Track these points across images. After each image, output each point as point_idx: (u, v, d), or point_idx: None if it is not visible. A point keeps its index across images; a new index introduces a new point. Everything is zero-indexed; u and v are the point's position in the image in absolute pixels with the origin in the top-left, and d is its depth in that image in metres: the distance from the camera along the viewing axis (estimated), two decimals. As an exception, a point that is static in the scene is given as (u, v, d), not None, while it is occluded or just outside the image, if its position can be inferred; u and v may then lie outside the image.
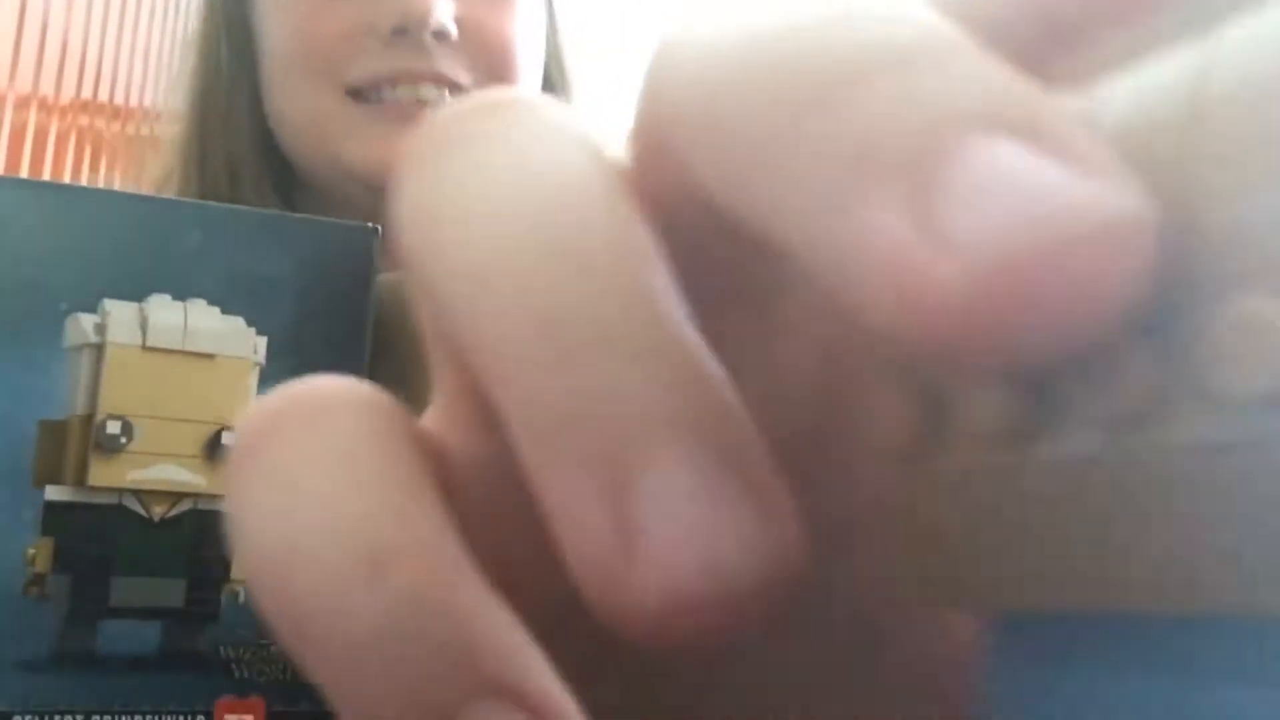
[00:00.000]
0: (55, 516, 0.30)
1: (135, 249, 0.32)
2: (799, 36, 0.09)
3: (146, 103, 2.52)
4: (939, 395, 0.10)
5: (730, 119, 0.10)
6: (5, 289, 0.31)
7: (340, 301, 0.35)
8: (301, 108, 0.62)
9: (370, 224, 0.36)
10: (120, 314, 0.31)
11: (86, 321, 0.31)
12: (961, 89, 0.08)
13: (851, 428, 0.13)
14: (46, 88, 1.97)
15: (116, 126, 2.33)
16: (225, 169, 0.63)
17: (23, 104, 1.87)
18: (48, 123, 1.98)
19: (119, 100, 2.34)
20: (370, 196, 0.59)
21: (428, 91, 0.60)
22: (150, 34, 2.53)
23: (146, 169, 0.71)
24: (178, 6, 2.76)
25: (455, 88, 0.61)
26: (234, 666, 0.32)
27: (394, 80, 0.60)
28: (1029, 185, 0.08)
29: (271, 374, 0.34)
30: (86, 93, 2.16)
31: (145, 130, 2.51)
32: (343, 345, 0.36)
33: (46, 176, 1.95)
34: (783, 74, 0.09)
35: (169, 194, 0.63)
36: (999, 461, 0.09)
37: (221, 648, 0.32)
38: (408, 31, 0.58)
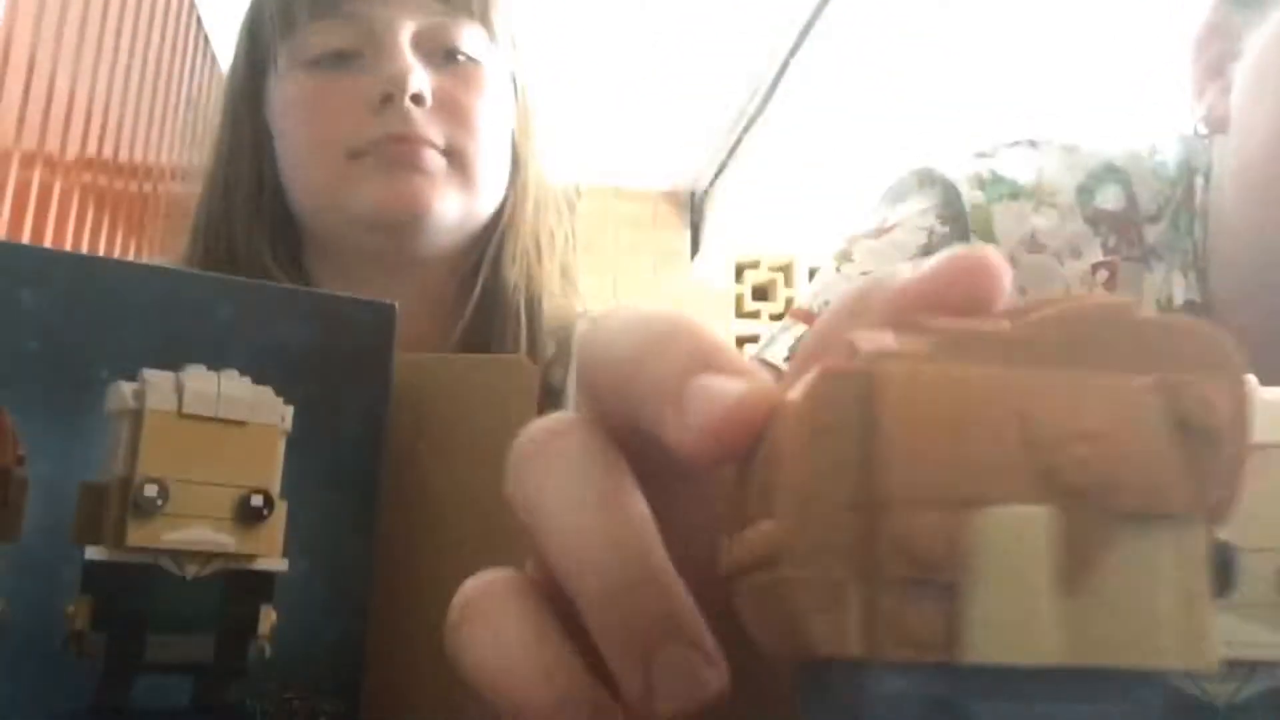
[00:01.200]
0: (94, 575, 0.32)
1: (171, 321, 0.35)
2: (642, 330, 0.20)
3: (151, 160, 2.55)
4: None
5: (617, 367, 0.20)
6: (50, 356, 0.33)
7: (362, 372, 0.37)
8: (312, 174, 0.74)
9: (389, 301, 0.38)
10: (158, 382, 0.33)
11: (126, 388, 0.33)
12: (691, 348, 0.19)
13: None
14: (52, 145, 2.00)
15: (121, 184, 2.36)
16: (224, 239, 0.76)
17: (28, 161, 1.89)
18: (52, 179, 2.00)
19: (124, 158, 2.37)
20: (372, 237, 0.73)
21: (414, 153, 0.72)
22: (155, 92, 2.58)
23: (175, 239, 0.83)
24: (183, 65, 2.81)
25: (432, 146, 0.72)
26: (261, 718, 0.34)
27: (383, 141, 0.72)
28: (720, 390, 0.18)
29: (297, 441, 0.36)
30: (91, 150, 2.19)
31: (149, 188, 2.55)
32: (365, 414, 0.37)
33: (50, 232, 1.97)
34: (634, 347, 0.20)
35: (184, 256, 0.76)
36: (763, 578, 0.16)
37: (249, 700, 0.34)
38: (392, 98, 0.71)
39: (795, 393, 0.16)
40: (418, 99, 0.71)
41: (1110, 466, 0.15)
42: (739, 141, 3.69)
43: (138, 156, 2.47)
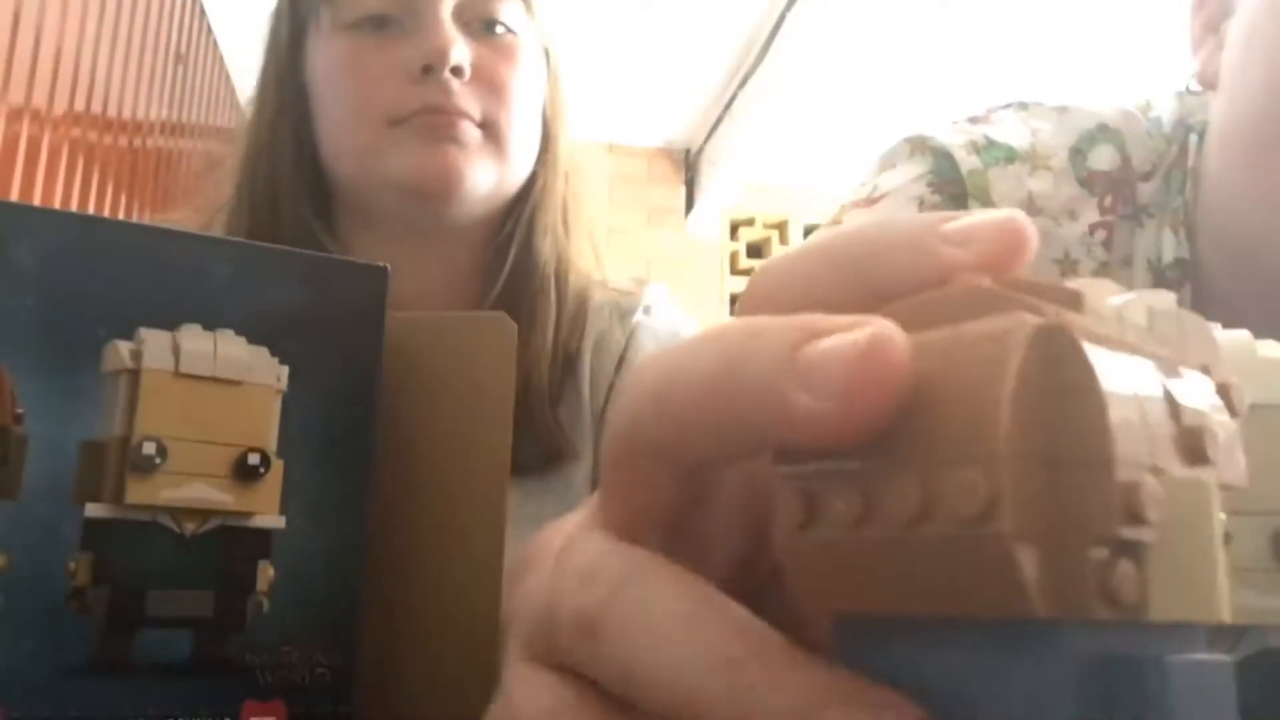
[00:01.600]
0: (94, 533, 0.32)
1: (168, 281, 0.35)
2: (718, 339, 0.18)
3: (139, 116, 2.53)
4: (812, 497, 0.17)
5: (702, 379, 0.17)
6: (48, 315, 0.33)
7: (355, 333, 0.38)
8: (350, 138, 0.75)
9: (381, 264, 0.39)
10: (155, 341, 0.34)
11: (123, 348, 0.33)
12: (784, 326, 0.17)
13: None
14: (39, 100, 1.98)
15: (109, 139, 2.34)
16: (268, 193, 0.76)
17: (15, 116, 1.88)
18: (40, 134, 1.98)
19: (112, 113, 2.35)
20: (405, 204, 0.74)
21: (452, 124, 0.73)
22: (144, 47, 2.55)
23: (209, 192, 0.84)
24: (172, 19, 2.78)
25: (468, 118, 0.73)
26: (258, 672, 0.34)
27: (422, 112, 0.73)
28: (841, 347, 0.16)
29: (292, 400, 0.36)
30: (79, 105, 2.17)
31: (138, 143, 2.53)
32: (358, 374, 0.38)
33: (39, 188, 1.96)
34: (718, 354, 0.17)
35: (222, 217, 0.78)
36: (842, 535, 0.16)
37: (247, 655, 0.34)
38: (433, 69, 0.72)
39: (980, 342, 0.16)
40: (457, 71, 0.73)
41: (1224, 446, 0.16)
42: (734, 98, 3.67)
43: (126, 112, 2.45)
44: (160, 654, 0.33)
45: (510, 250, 0.78)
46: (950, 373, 0.16)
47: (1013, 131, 0.65)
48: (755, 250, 4.37)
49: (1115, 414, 0.15)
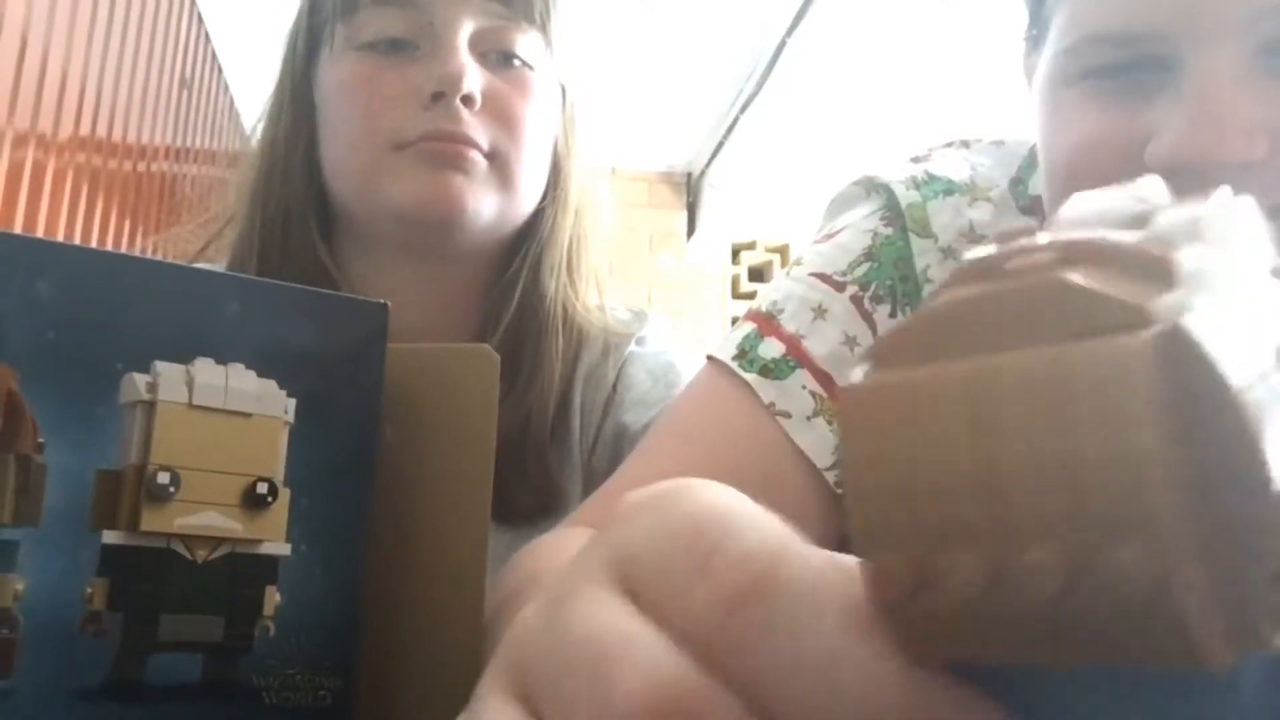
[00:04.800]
0: (111, 559, 0.34)
1: (183, 316, 0.36)
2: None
3: (144, 141, 2.56)
4: (923, 561, 0.15)
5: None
6: (67, 348, 0.34)
7: (357, 367, 0.39)
8: (354, 159, 0.74)
9: (381, 301, 0.40)
10: (170, 374, 0.35)
11: (140, 380, 0.35)
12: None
13: None
14: (45, 125, 2.00)
15: (114, 164, 2.36)
16: (281, 212, 0.76)
17: (21, 141, 1.90)
18: (46, 159, 2.00)
19: (117, 138, 2.38)
20: (405, 230, 0.74)
21: (459, 151, 0.72)
22: (149, 71, 2.57)
23: (211, 206, 0.84)
24: (177, 44, 2.81)
25: (476, 147, 0.73)
26: (265, 694, 0.36)
27: (430, 138, 0.72)
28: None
29: (298, 431, 0.37)
30: (85, 130, 2.19)
31: (143, 168, 2.55)
32: (360, 406, 0.39)
33: (44, 213, 1.98)
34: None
35: (229, 232, 0.78)
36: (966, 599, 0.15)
37: (254, 677, 0.36)
38: (444, 96, 0.71)
39: (1117, 360, 0.13)
40: (468, 100, 0.72)
41: None
42: (735, 123, 3.70)
43: (131, 136, 2.47)
44: (172, 676, 0.34)
45: (515, 290, 0.77)
46: (1062, 412, 0.13)
47: (952, 166, 0.67)
48: (757, 274, 4.39)
49: (1263, 430, 0.13)
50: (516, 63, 0.75)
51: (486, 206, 0.74)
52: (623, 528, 0.21)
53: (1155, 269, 0.14)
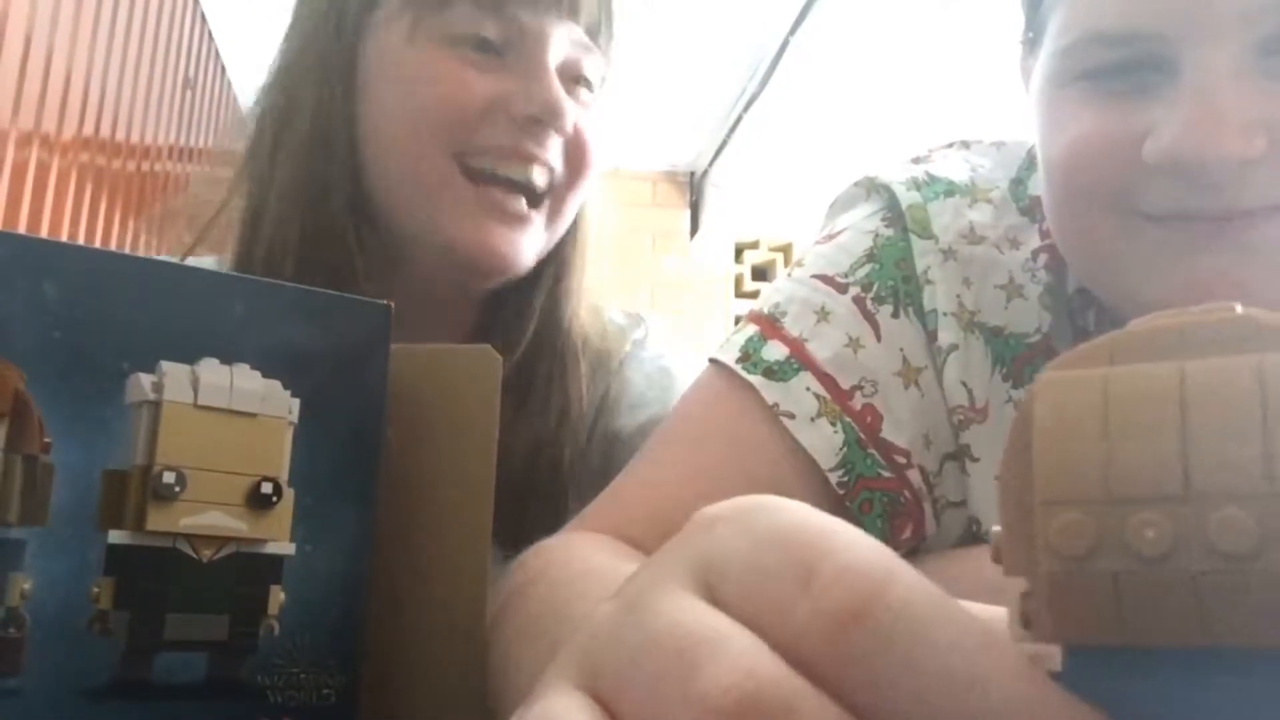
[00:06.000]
0: (117, 558, 0.34)
1: (188, 316, 0.36)
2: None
3: (149, 140, 2.56)
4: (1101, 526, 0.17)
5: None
6: (73, 348, 0.35)
7: (360, 368, 0.39)
8: (409, 164, 0.70)
9: (384, 302, 0.40)
10: (175, 374, 0.35)
11: (145, 380, 0.35)
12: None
13: None
14: (49, 125, 2.00)
15: (119, 163, 2.37)
16: (320, 182, 0.71)
17: (25, 141, 1.90)
18: (50, 159, 2.01)
19: (121, 137, 2.38)
20: (439, 255, 0.70)
21: (536, 174, 0.70)
22: (153, 71, 2.58)
23: (205, 191, 0.79)
24: (180, 44, 2.81)
25: (554, 172, 0.72)
26: (269, 692, 0.36)
27: (512, 157, 0.70)
28: None
29: (302, 431, 0.38)
30: (89, 129, 2.19)
31: (147, 167, 2.55)
32: (364, 406, 0.39)
33: (48, 212, 1.98)
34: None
35: (280, 197, 0.72)
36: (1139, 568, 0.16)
37: (258, 675, 0.36)
38: (540, 122, 0.69)
39: (1239, 371, 0.16)
40: (561, 129, 0.71)
41: None
42: (738, 121, 3.70)
43: (135, 136, 2.48)
44: (177, 675, 0.35)
45: (530, 312, 0.75)
46: (1214, 406, 0.16)
47: (952, 167, 0.67)
48: (760, 273, 4.39)
49: None
50: (584, 89, 0.74)
51: (534, 254, 0.72)
52: (702, 536, 0.21)
53: None
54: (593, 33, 0.73)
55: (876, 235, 0.65)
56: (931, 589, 0.18)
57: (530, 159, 0.70)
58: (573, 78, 0.73)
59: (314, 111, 0.72)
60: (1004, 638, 0.17)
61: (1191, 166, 0.48)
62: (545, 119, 0.70)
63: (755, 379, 0.60)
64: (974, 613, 0.18)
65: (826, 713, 0.17)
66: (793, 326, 0.62)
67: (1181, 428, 0.16)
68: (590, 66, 0.73)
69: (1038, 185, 0.64)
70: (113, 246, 2.29)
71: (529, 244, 0.71)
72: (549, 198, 0.72)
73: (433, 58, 0.70)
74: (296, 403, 0.37)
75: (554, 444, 0.73)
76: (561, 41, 0.71)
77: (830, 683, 0.17)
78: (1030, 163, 0.66)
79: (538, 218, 0.72)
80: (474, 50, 0.70)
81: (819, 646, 0.18)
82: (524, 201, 0.71)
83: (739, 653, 0.18)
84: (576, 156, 0.73)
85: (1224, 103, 0.48)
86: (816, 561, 0.18)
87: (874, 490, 0.58)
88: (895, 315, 0.62)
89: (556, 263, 0.78)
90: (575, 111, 0.72)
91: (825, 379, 0.59)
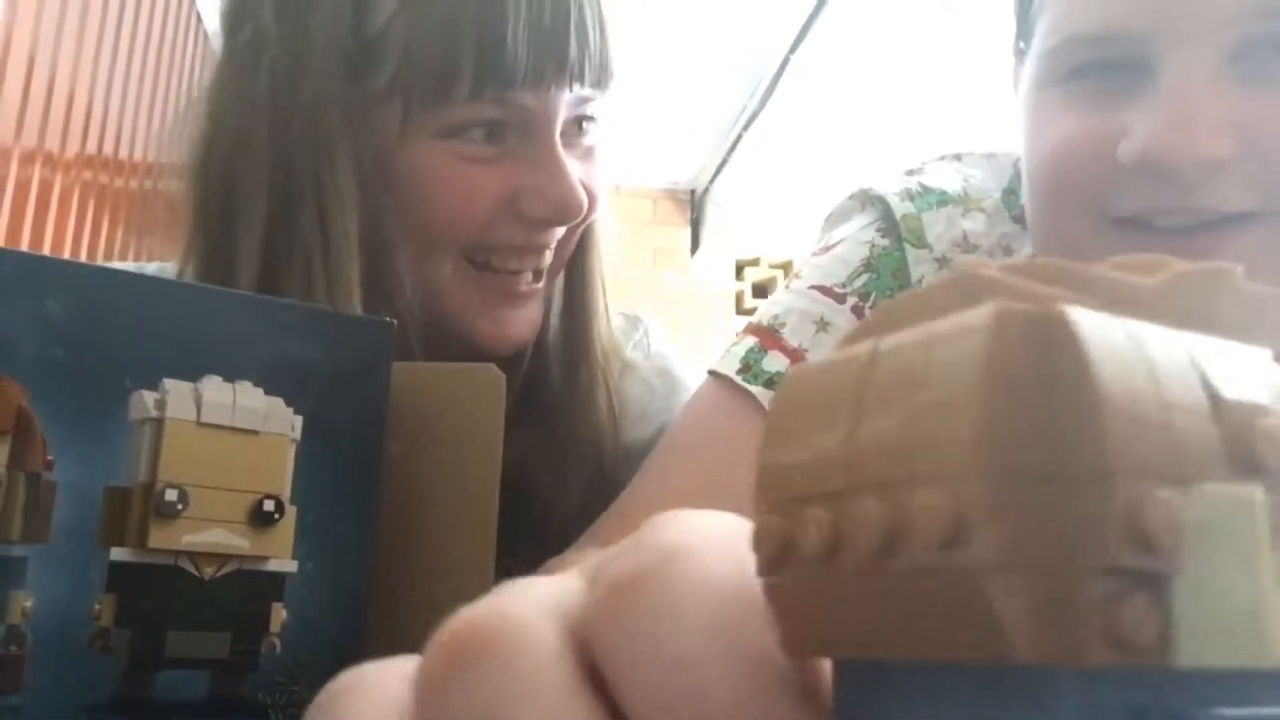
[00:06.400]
0: (119, 575, 0.34)
1: (190, 334, 0.36)
2: None
3: (151, 157, 2.57)
4: (787, 529, 0.15)
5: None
6: (76, 365, 0.35)
7: (362, 385, 0.39)
8: (407, 264, 0.65)
9: (387, 319, 0.40)
10: (178, 392, 0.35)
11: (148, 398, 0.35)
12: None
13: None
14: (52, 143, 2.01)
15: (121, 181, 2.38)
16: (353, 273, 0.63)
17: (28, 159, 1.91)
18: (52, 177, 2.01)
19: (124, 155, 2.39)
20: (443, 335, 0.66)
21: (545, 257, 0.67)
22: (156, 89, 2.59)
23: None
24: (183, 62, 2.82)
25: (545, 267, 0.68)
26: (271, 711, 0.36)
27: (525, 253, 0.66)
28: None
29: (304, 448, 0.38)
30: (91, 147, 2.20)
31: (149, 185, 2.56)
32: (365, 424, 0.39)
33: (50, 230, 1.98)
34: None
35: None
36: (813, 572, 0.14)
37: (260, 693, 0.36)
38: (552, 222, 0.65)
39: (952, 337, 0.13)
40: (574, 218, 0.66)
41: None
42: (739, 139, 3.71)
43: (137, 154, 2.49)
44: (179, 693, 0.34)
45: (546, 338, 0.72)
46: (921, 374, 0.13)
47: (945, 178, 0.68)
48: (761, 290, 4.39)
49: (1117, 412, 0.12)
50: (584, 131, 0.68)
51: (538, 319, 0.69)
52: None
53: (1080, 282, 0.14)
54: (597, 85, 0.66)
55: (872, 246, 0.65)
56: (730, 579, 0.16)
57: (542, 250, 0.66)
58: (575, 120, 0.67)
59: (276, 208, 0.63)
60: (759, 648, 0.16)
61: (1163, 165, 0.49)
62: (560, 220, 0.65)
63: (756, 389, 0.60)
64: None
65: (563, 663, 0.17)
66: (792, 337, 0.62)
67: (857, 414, 0.14)
68: (593, 108, 0.68)
69: None
70: (115, 264, 2.29)
71: (538, 311, 0.69)
72: (555, 261, 0.69)
73: (431, 161, 0.63)
74: (299, 420, 0.37)
75: (573, 494, 0.69)
76: (564, 106, 0.65)
77: (597, 648, 0.17)
78: (1021, 172, 0.67)
79: (548, 290, 0.69)
80: (474, 141, 0.63)
81: (594, 610, 0.17)
82: (531, 277, 0.67)
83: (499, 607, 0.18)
84: (581, 227, 0.70)
85: (1197, 104, 0.49)
86: (640, 539, 0.18)
87: None
88: None
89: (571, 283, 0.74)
90: (580, 170, 0.66)
91: None
